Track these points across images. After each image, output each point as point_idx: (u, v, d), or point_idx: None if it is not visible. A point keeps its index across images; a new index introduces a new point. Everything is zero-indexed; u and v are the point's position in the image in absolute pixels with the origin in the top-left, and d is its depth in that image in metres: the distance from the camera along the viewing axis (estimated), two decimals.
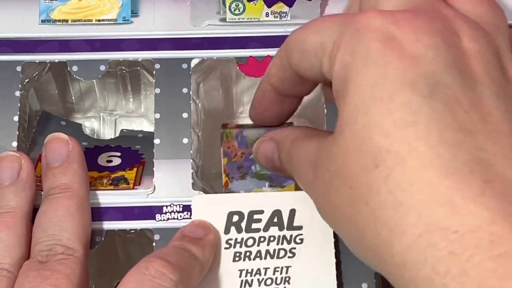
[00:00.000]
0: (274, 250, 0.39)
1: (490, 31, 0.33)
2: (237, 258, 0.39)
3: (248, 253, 0.39)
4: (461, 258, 0.26)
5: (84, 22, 0.45)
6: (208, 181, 0.44)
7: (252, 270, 0.39)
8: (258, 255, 0.39)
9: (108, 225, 0.41)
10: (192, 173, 0.42)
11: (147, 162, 0.44)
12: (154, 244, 0.40)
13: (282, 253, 0.39)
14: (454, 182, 0.28)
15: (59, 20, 0.45)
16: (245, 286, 0.38)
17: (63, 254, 0.37)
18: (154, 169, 0.42)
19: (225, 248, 0.39)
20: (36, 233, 0.38)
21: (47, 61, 0.45)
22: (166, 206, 0.41)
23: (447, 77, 0.30)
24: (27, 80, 0.46)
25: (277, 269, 0.39)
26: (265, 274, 0.38)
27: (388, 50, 0.30)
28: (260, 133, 0.41)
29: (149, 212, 0.41)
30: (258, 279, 0.38)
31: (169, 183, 0.41)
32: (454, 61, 0.30)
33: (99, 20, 0.45)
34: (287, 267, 0.39)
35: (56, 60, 0.44)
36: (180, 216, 0.41)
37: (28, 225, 0.39)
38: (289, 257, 0.39)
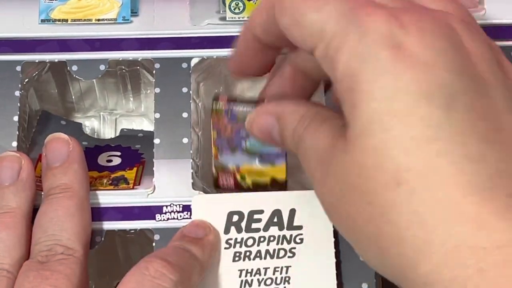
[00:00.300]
0: (274, 250, 0.39)
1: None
2: (237, 258, 0.39)
3: (248, 253, 0.39)
4: (490, 274, 0.26)
5: (83, 22, 0.45)
6: (208, 181, 0.44)
7: (252, 270, 0.38)
8: (258, 255, 0.39)
9: (108, 225, 0.41)
10: (192, 173, 0.42)
11: (147, 162, 0.44)
12: (154, 244, 0.40)
13: (282, 253, 0.39)
14: (479, 198, 0.27)
15: (58, 20, 0.45)
16: (245, 286, 0.38)
17: (63, 254, 0.37)
18: (154, 169, 0.42)
19: (225, 248, 0.39)
20: (36, 233, 0.38)
21: (47, 60, 0.44)
22: (166, 206, 0.41)
23: (461, 85, 0.29)
24: (26, 80, 0.45)
25: (277, 269, 0.38)
26: (265, 274, 0.38)
27: (398, 59, 0.29)
28: (250, 109, 0.39)
29: (149, 212, 0.41)
30: (258, 279, 0.38)
31: (169, 183, 0.41)
32: (464, 66, 0.29)
33: (98, 20, 0.45)
34: (287, 267, 0.39)
35: (56, 60, 0.44)
36: (180, 216, 0.41)
37: (28, 225, 0.39)
38: (289, 257, 0.39)
